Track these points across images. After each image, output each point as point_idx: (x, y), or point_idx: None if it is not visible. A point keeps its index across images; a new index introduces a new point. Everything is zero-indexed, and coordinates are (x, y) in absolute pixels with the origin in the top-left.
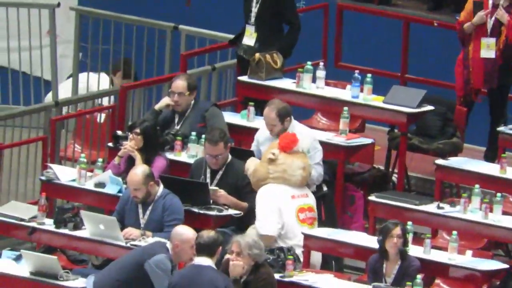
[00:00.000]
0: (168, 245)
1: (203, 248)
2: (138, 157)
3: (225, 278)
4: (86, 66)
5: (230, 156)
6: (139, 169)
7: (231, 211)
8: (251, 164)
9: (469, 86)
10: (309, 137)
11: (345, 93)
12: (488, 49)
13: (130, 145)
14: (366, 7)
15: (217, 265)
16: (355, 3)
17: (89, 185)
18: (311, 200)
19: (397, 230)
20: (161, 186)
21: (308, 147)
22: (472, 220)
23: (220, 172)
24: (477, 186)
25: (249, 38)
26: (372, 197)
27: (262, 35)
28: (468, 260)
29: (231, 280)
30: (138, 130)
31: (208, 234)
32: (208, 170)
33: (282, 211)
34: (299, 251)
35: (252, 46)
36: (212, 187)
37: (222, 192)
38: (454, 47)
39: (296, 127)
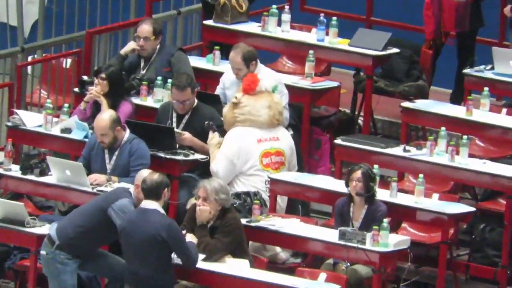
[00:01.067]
0: (132, 189)
1: (148, 192)
2: (104, 102)
3: (169, 221)
4: (52, 12)
5: (196, 101)
6: (106, 114)
7: (198, 156)
8: (224, 110)
9: (439, 30)
10: (271, 75)
11: (311, 37)
12: None
13: (96, 90)
14: None
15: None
16: None
17: (55, 130)
18: (283, 144)
19: (357, 174)
20: (128, 131)
21: (271, 86)
22: (439, 163)
23: (186, 117)
24: (443, 128)
25: None
26: (338, 141)
27: None
28: (435, 204)
29: (174, 222)
30: (103, 75)
31: (152, 177)
32: (175, 115)
33: (243, 156)
34: (265, 196)
35: None
36: (178, 131)
37: (186, 134)
38: None
39: (262, 71)
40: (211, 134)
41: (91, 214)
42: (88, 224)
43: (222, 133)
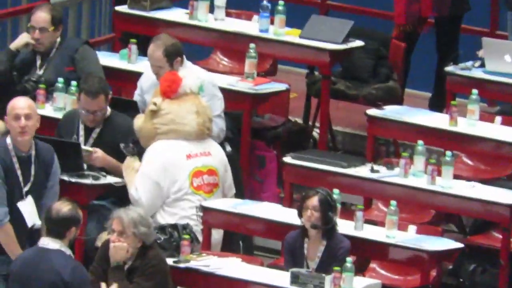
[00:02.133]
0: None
1: (51, 227)
2: None
3: (75, 266)
4: None
5: (109, 109)
6: None
7: (111, 179)
8: (138, 123)
9: (412, 13)
10: (196, 74)
11: (251, 26)
12: None
13: None
14: None
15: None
16: None
17: None
18: (215, 160)
19: (313, 201)
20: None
21: (197, 85)
22: (415, 186)
23: (97, 130)
24: (420, 142)
25: None
26: (287, 158)
27: None
28: (412, 238)
29: (80, 264)
30: None
31: (59, 209)
32: (82, 127)
33: (169, 176)
34: (197, 229)
35: None
36: (86, 148)
37: (98, 152)
38: None
39: (188, 69)
40: (129, 158)
41: None
42: None
43: (141, 151)
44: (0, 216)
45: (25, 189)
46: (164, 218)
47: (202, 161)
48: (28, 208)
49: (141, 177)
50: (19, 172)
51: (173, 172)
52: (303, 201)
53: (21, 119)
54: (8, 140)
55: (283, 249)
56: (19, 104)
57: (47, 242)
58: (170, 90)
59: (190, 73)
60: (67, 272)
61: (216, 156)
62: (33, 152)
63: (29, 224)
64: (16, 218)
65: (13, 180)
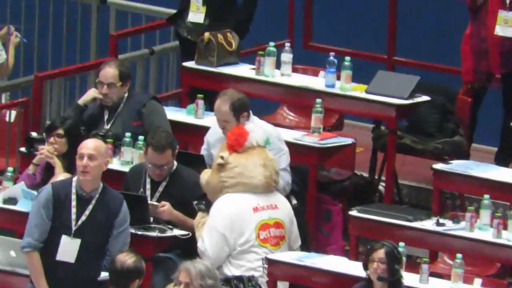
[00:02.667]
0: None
1: (114, 278)
2: (58, 164)
3: None
4: None
5: (175, 163)
6: (61, 178)
7: (177, 231)
8: (204, 177)
9: (481, 70)
10: (263, 128)
11: (318, 81)
12: (505, 25)
13: (48, 150)
14: None
15: None
16: None
17: None
18: (282, 213)
19: (379, 253)
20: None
21: (263, 139)
22: (481, 239)
23: (164, 183)
24: (486, 196)
25: (196, 14)
26: (353, 212)
27: (212, 9)
28: None
29: None
30: (61, 131)
31: (124, 261)
32: (148, 181)
33: (237, 229)
34: (262, 280)
35: (200, 23)
36: (153, 202)
37: (166, 205)
38: (456, 21)
39: (255, 124)
40: (200, 214)
41: None
42: None
43: (208, 204)
44: (24, 243)
45: (75, 227)
46: (230, 270)
47: (269, 214)
48: (69, 246)
49: (208, 229)
50: (73, 210)
51: (240, 225)
52: (370, 254)
53: (84, 159)
54: (75, 177)
55: None
56: (86, 144)
57: None
58: (237, 144)
59: (256, 127)
60: None
61: (282, 209)
62: (96, 195)
63: (57, 258)
64: (51, 249)
65: (65, 215)
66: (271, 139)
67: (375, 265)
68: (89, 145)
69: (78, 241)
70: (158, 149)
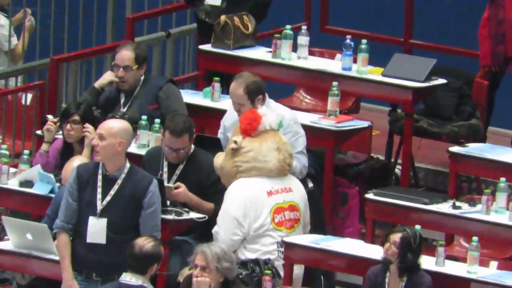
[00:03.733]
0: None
1: (133, 262)
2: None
3: None
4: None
5: (193, 147)
6: (77, 162)
7: (193, 215)
8: (218, 161)
9: (498, 54)
10: (277, 111)
11: (334, 64)
12: None
13: (51, 122)
14: None
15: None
16: None
17: (13, 184)
18: (296, 196)
19: (396, 236)
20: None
21: (276, 122)
22: (497, 222)
23: (181, 166)
24: (503, 179)
25: None
26: (369, 195)
27: None
28: (493, 274)
29: None
30: (76, 118)
31: (142, 246)
32: (165, 164)
33: (251, 213)
34: (278, 264)
35: (218, 5)
36: (168, 184)
37: (181, 187)
38: (474, 3)
39: (272, 107)
40: None
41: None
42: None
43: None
44: (54, 225)
45: (100, 207)
46: (245, 254)
47: (283, 197)
48: (96, 226)
49: (222, 214)
50: (99, 190)
51: (255, 210)
52: (388, 234)
53: (95, 138)
54: None
55: (364, 284)
56: (102, 124)
57: (129, 278)
58: (251, 128)
59: (269, 110)
60: None
61: (297, 192)
62: (122, 175)
63: (88, 240)
64: (83, 231)
65: (91, 195)
66: (287, 122)
67: (387, 245)
68: (102, 125)
69: (104, 221)
70: (175, 133)
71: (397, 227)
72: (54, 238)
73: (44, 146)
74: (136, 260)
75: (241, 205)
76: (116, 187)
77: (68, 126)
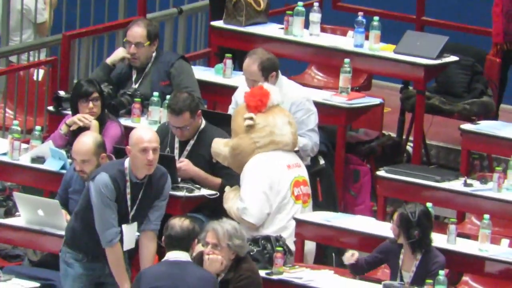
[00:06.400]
0: (127, 160)
1: (176, 241)
2: (96, 126)
3: (212, 275)
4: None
5: (204, 122)
6: (89, 137)
7: (204, 191)
8: (219, 144)
9: (511, 31)
10: (277, 88)
11: (346, 41)
12: None
13: (85, 117)
14: None
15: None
16: None
17: (24, 160)
18: (305, 172)
19: (395, 216)
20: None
21: (280, 99)
22: (509, 200)
23: (191, 142)
24: None
25: None
26: (381, 172)
27: None
28: (505, 252)
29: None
30: (96, 95)
31: (182, 224)
32: (177, 139)
33: (275, 186)
34: (290, 241)
35: None
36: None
37: (184, 161)
38: None
39: (284, 84)
40: (228, 188)
41: (83, 193)
42: (80, 207)
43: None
44: (111, 236)
45: (132, 213)
46: (268, 227)
47: (298, 172)
48: (130, 232)
49: (247, 190)
50: (128, 197)
51: (278, 183)
52: (393, 213)
53: (150, 153)
54: (126, 164)
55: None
56: (147, 136)
57: (179, 255)
58: (262, 104)
59: (271, 86)
60: (211, 280)
61: (303, 167)
62: (145, 179)
63: (125, 248)
64: (119, 240)
65: (122, 204)
66: (299, 99)
67: (391, 226)
68: (152, 137)
69: (135, 225)
70: (174, 111)
71: (399, 206)
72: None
73: (64, 128)
74: (179, 239)
75: (266, 178)
76: (141, 191)
77: (91, 104)
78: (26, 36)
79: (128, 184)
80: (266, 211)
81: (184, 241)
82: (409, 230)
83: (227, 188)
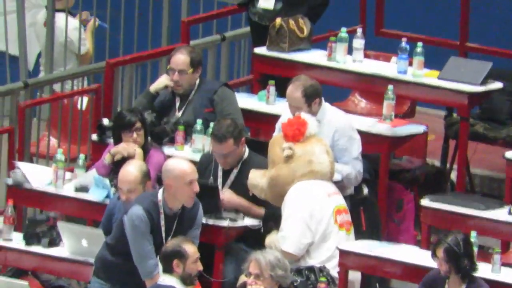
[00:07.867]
0: (160, 192)
1: (161, 263)
2: (140, 154)
3: None
4: None
5: (247, 151)
6: (133, 166)
7: (248, 221)
8: (256, 175)
9: None
10: (314, 118)
11: (390, 68)
12: None
13: (130, 146)
14: None
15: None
16: None
17: (68, 189)
18: (343, 200)
19: (440, 252)
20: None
21: (317, 129)
22: None
23: (235, 171)
24: None
25: (265, 0)
26: (425, 201)
27: None
28: None
29: None
30: (139, 125)
31: (167, 245)
32: (220, 168)
33: (317, 214)
34: (333, 271)
35: (271, 9)
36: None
37: (227, 193)
38: None
39: (327, 111)
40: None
41: (116, 225)
42: (113, 238)
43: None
44: (151, 268)
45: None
46: (316, 257)
47: (338, 200)
48: None
49: (289, 219)
50: (163, 229)
51: (319, 211)
52: (434, 249)
53: (195, 184)
54: (160, 196)
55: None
56: (190, 169)
57: (162, 279)
58: (300, 133)
59: (307, 115)
60: None
61: (342, 196)
62: (179, 211)
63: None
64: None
65: (157, 236)
66: (342, 127)
67: (437, 262)
68: (194, 169)
69: None
70: (217, 138)
71: (439, 239)
72: None
73: (108, 158)
74: (160, 261)
75: (307, 207)
76: (175, 223)
77: (134, 134)
78: (69, 68)
79: (162, 216)
80: (306, 240)
81: (163, 263)
82: (458, 263)
83: (273, 233)
